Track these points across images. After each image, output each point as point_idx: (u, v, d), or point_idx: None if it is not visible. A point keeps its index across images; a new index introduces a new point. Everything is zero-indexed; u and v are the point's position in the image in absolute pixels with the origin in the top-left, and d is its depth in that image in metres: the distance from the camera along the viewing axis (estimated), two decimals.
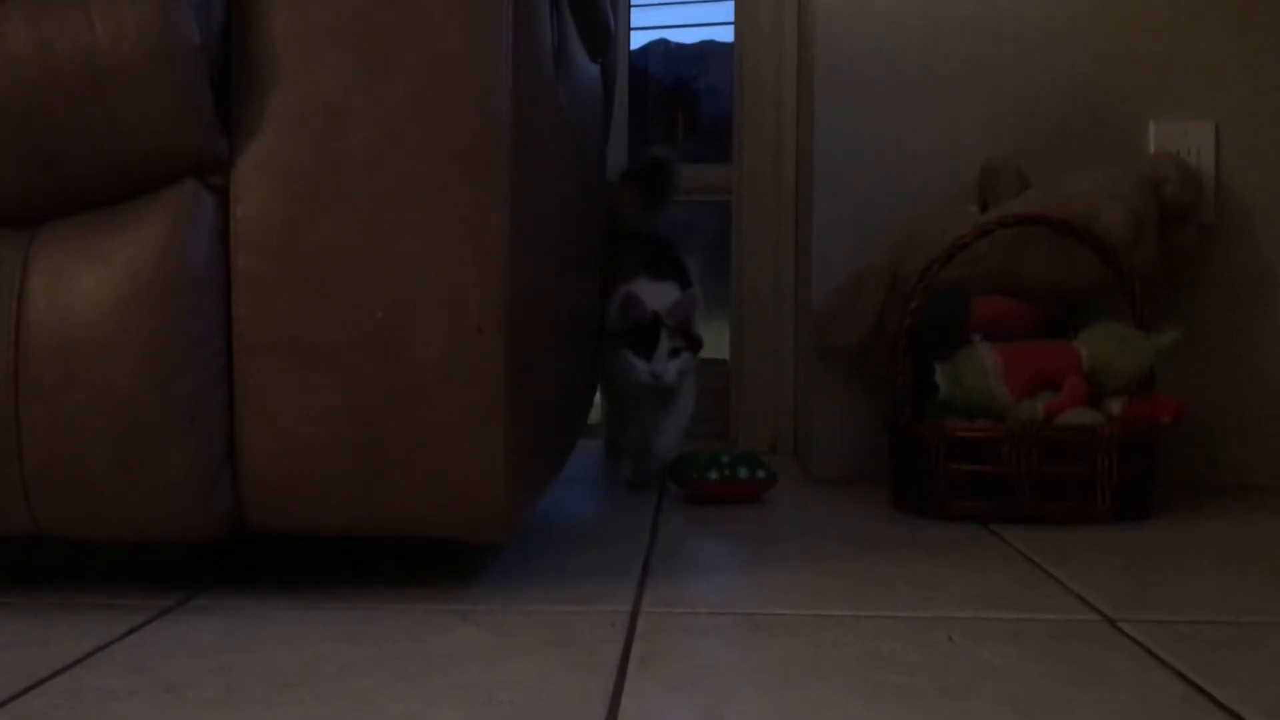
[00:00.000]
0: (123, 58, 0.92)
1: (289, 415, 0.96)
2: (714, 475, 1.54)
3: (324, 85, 0.95)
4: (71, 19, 0.92)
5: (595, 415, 1.80)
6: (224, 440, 0.97)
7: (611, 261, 1.62)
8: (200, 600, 1.02)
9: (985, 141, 1.72)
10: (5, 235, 0.96)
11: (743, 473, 1.55)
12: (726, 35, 2.35)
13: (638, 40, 2.78)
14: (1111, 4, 1.73)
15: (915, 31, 1.74)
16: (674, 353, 1.50)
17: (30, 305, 0.94)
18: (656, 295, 1.52)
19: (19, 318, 0.94)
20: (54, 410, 0.95)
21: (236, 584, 1.07)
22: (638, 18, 2.59)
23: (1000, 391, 1.45)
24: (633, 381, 1.52)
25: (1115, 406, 1.46)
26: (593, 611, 0.99)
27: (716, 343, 2.06)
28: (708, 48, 2.88)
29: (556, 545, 1.27)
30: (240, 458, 0.97)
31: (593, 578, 1.12)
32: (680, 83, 2.86)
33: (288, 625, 0.94)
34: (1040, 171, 1.66)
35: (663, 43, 2.87)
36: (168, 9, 0.92)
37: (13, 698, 0.77)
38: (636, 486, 1.65)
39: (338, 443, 0.96)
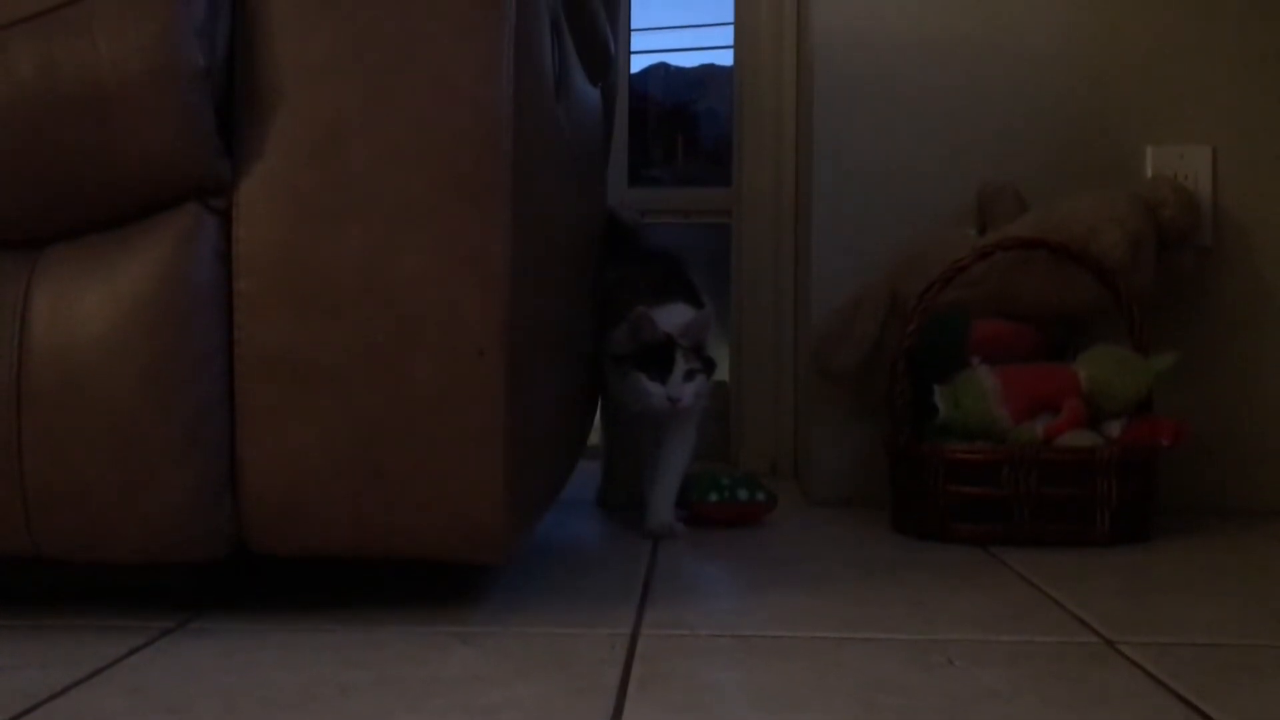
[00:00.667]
0: (127, 81, 0.93)
1: (290, 437, 0.96)
2: (714, 497, 1.54)
3: (326, 108, 0.96)
4: (76, 42, 0.93)
5: (594, 437, 1.79)
6: (225, 461, 0.97)
7: (619, 283, 1.54)
8: (200, 622, 1.02)
9: (983, 164, 1.73)
10: (9, 257, 0.97)
11: (742, 495, 1.55)
12: (726, 59, 2.36)
13: (638, 64, 2.79)
14: (1109, 29, 1.74)
15: (914, 55, 1.75)
16: (689, 375, 1.41)
17: (33, 326, 0.95)
18: (667, 316, 1.42)
19: (22, 338, 0.95)
20: (55, 430, 0.95)
21: (236, 606, 1.07)
22: (638, 41, 2.59)
23: (999, 414, 1.46)
24: (642, 407, 1.43)
25: (1114, 429, 1.46)
26: (593, 634, 0.99)
27: (717, 365, 2.04)
28: (707, 71, 2.89)
29: (556, 567, 1.27)
30: (241, 479, 0.97)
31: (593, 600, 1.12)
32: (680, 106, 2.87)
33: (287, 647, 0.94)
34: (1038, 194, 1.67)
35: (663, 66, 2.88)
36: (172, 33, 0.93)
37: (12, 719, 0.77)
38: (636, 507, 1.62)
39: (338, 464, 0.97)
